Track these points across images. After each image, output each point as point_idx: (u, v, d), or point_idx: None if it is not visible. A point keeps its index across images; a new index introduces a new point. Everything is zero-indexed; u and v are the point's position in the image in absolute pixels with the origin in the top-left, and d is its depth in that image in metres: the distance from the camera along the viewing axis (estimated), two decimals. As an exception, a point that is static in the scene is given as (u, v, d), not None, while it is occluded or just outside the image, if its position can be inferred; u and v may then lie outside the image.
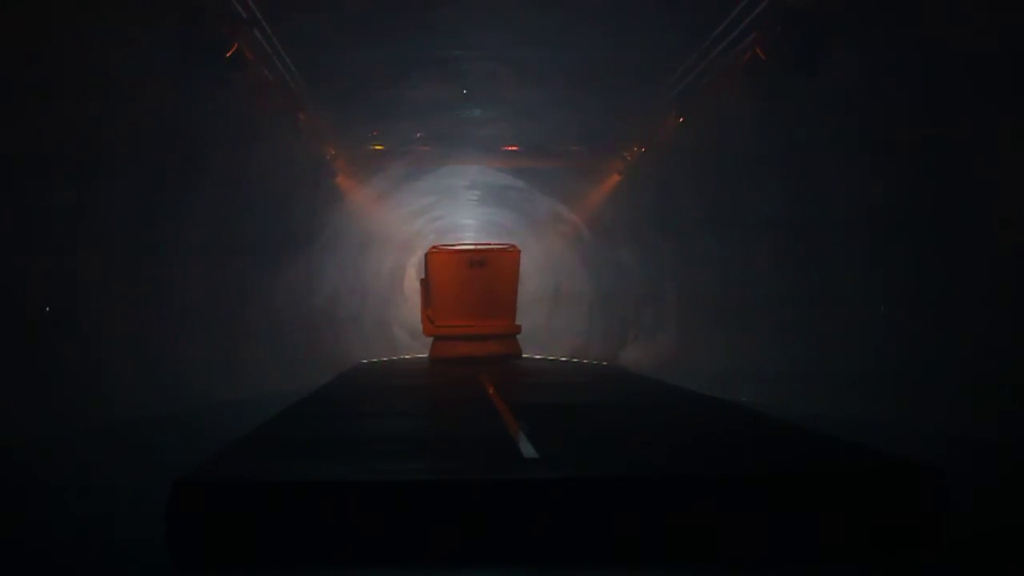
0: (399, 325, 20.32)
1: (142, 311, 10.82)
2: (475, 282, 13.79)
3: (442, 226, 21.43)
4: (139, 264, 10.67)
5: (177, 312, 11.44)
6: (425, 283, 14.56)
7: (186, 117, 10.32)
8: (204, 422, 10.11)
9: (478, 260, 13.85)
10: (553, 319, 20.35)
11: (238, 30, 9.69)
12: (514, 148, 15.02)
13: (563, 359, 15.89)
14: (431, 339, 14.60)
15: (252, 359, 12.96)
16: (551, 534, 4.64)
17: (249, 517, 4.64)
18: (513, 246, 14.62)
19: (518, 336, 14.51)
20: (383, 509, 4.66)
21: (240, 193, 12.10)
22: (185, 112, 10.26)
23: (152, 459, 7.30)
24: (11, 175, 8.79)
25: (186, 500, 4.61)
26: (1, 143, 8.55)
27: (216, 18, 9.43)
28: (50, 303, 9.63)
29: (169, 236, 11.11)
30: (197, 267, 11.65)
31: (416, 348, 17.46)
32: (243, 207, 12.24)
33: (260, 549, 4.60)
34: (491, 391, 9.24)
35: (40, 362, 9.27)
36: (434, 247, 14.46)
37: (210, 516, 4.65)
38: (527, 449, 5.74)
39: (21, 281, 9.11)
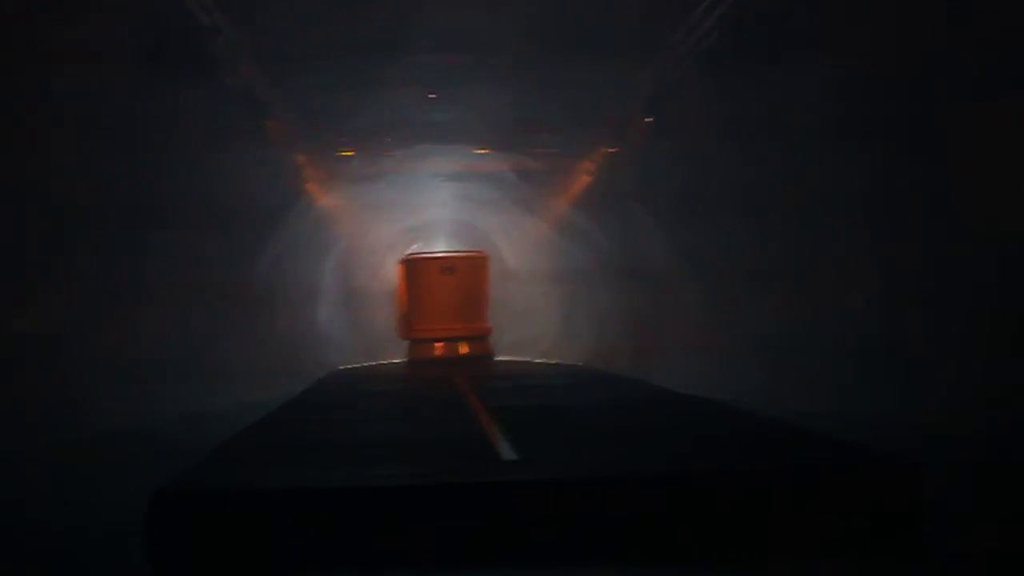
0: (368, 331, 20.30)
1: (111, 319, 10.64)
2: (448, 287, 14.29)
3: (415, 230, 21.42)
4: (106, 273, 10.52)
5: (144, 320, 11.27)
6: (400, 289, 14.93)
7: (148, 126, 10.20)
8: (178, 432, 10.02)
9: (448, 266, 14.42)
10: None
11: (201, 37, 9.60)
12: (485, 151, 15.06)
13: (538, 360, 16.00)
14: (406, 343, 14.90)
15: (226, 366, 12.86)
16: (532, 536, 4.63)
17: (230, 525, 4.61)
18: (482, 252, 15.09)
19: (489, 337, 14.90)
20: (364, 514, 4.65)
21: (205, 205, 11.99)
22: (147, 121, 10.14)
23: (127, 472, 7.22)
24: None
25: (166, 510, 4.57)
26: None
27: (178, 25, 9.34)
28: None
29: (133, 268, 10.97)
30: (162, 282, 11.54)
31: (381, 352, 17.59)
32: (209, 219, 12.13)
33: (242, 558, 4.57)
34: (468, 394, 9.24)
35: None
36: (407, 255, 14.82)
37: (190, 525, 4.61)
38: (506, 451, 5.73)
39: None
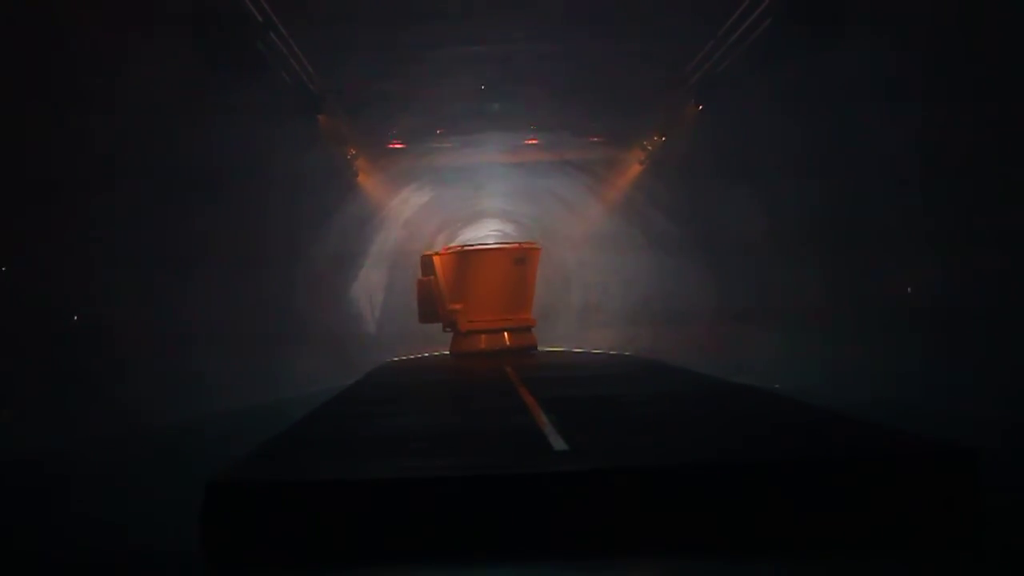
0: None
1: (163, 319, 10.84)
2: (514, 278, 14.14)
3: (464, 220, 21.48)
4: (157, 271, 10.71)
5: (199, 317, 11.46)
6: (445, 281, 14.66)
7: (204, 122, 10.36)
8: (243, 424, 10.23)
9: (520, 257, 14.20)
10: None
11: (255, 34, 9.71)
12: (534, 141, 15.06)
13: (584, 351, 15.94)
14: (450, 335, 14.87)
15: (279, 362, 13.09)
16: (582, 526, 4.63)
17: (282, 517, 4.66)
18: (533, 244, 15.04)
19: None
20: (415, 506, 4.67)
21: (261, 198, 12.18)
22: (203, 118, 10.30)
23: (181, 464, 7.39)
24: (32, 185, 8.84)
25: (219, 502, 4.65)
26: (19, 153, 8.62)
27: (232, 23, 9.45)
28: (75, 312, 9.66)
29: (189, 243, 11.16)
30: (218, 272, 11.73)
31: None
32: (264, 212, 12.32)
33: (294, 549, 4.62)
34: (518, 385, 9.24)
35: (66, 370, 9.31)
36: (453, 247, 14.85)
37: (243, 517, 4.67)
38: (557, 442, 5.73)
39: (46, 290, 9.13)
